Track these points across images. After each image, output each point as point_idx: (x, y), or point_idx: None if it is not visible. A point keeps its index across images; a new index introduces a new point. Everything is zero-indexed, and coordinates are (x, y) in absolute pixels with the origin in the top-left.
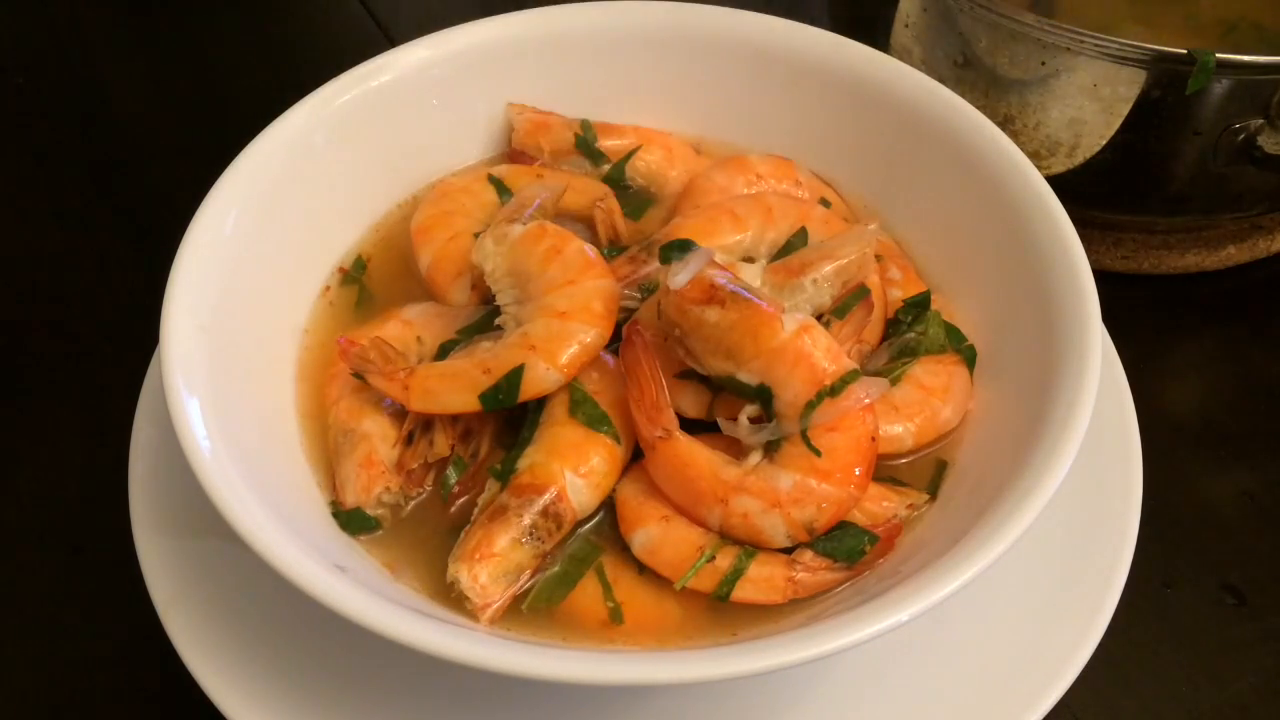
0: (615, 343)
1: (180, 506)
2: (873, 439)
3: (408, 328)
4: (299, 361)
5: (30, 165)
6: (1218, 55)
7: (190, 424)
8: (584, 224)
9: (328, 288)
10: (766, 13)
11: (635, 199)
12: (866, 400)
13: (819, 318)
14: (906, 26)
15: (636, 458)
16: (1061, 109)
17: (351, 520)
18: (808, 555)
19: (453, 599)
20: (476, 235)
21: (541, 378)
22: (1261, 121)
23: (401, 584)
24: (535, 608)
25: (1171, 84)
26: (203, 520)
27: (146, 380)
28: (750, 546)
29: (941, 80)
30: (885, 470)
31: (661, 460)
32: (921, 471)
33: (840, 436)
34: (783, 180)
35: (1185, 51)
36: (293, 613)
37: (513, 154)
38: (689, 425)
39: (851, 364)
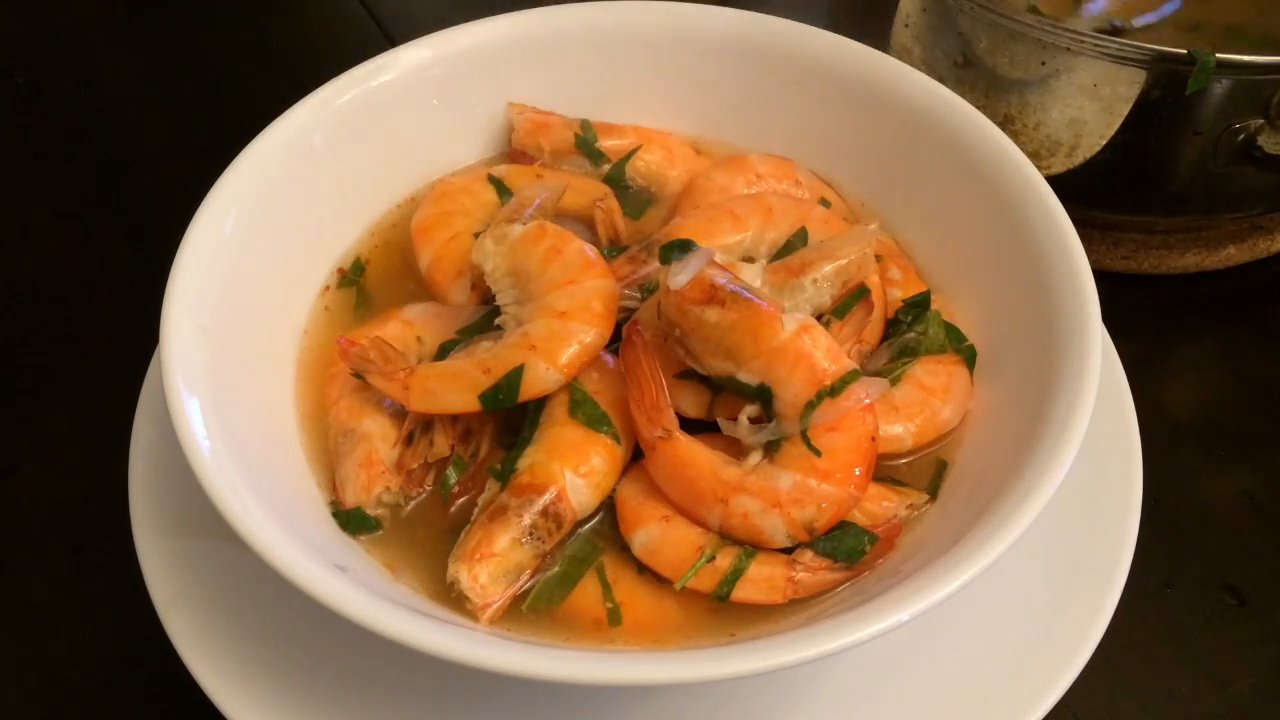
0: (615, 343)
1: (180, 506)
2: (873, 439)
3: (408, 328)
4: (299, 361)
5: (30, 165)
6: (1218, 55)
7: (190, 424)
8: (584, 224)
9: (328, 287)
10: (766, 13)
11: (635, 199)
12: (866, 400)
13: (819, 318)
14: (906, 26)
15: (636, 458)
16: (1061, 109)
17: (351, 520)
18: (808, 555)
19: (453, 599)
20: (476, 235)
21: (541, 378)
22: (1261, 121)
23: (401, 584)
24: (535, 608)
25: (1171, 84)
26: (203, 520)
27: (146, 380)
28: (750, 546)
29: (941, 80)
30: (885, 470)
31: (661, 460)
32: (921, 471)
33: (840, 436)
34: (783, 180)
35: (1185, 51)
36: (293, 613)
37: (513, 154)
38: (689, 425)
39: (851, 364)
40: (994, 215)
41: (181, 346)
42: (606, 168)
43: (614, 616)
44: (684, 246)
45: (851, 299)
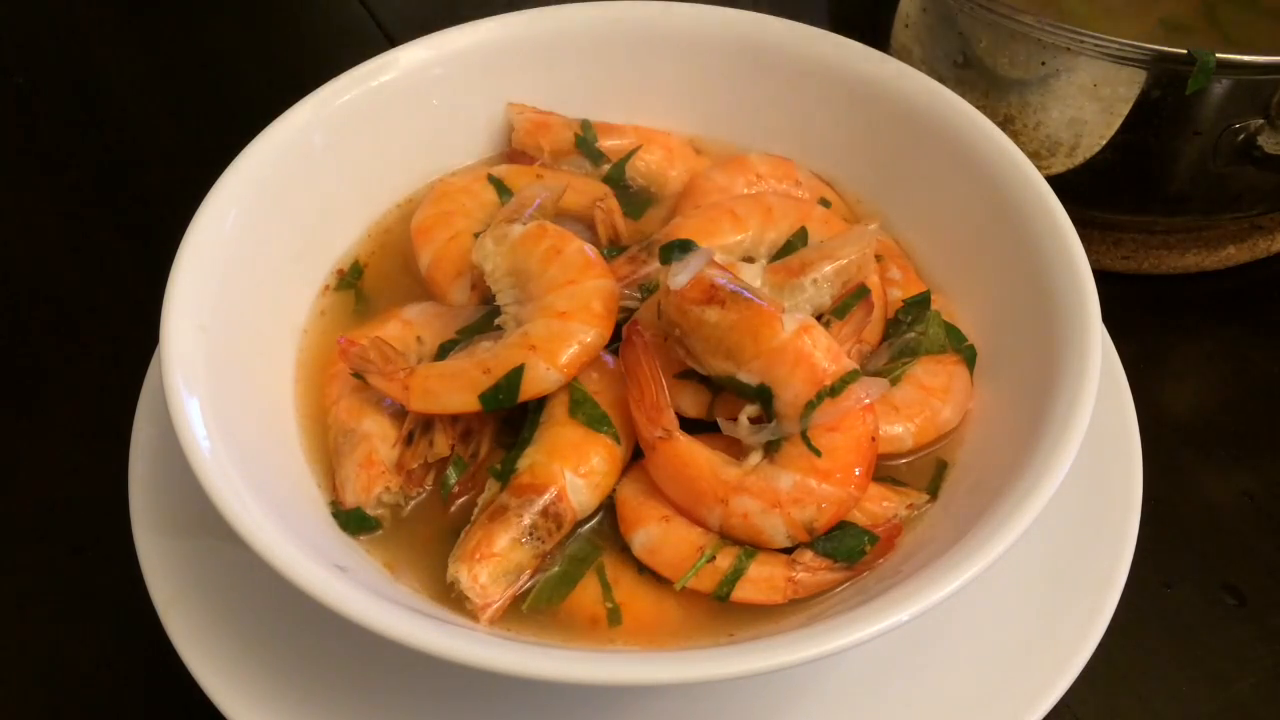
0: (615, 343)
1: (180, 506)
2: (873, 439)
3: (408, 328)
4: (299, 361)
5: (30, 165)
6: (1218, 55)
7: (190, 424)
8: (584, 224)
9: (327, 287)
10: (766, 13)
11: (635, 199)
12: (866, 400)
13: (819, 318)
14: (906, 26)
15: (636, 458)
16: (1061, 109)
17: (351, 520)
18: (808, 555)
19: (453, 599)
20: (476, 235)
21: (541, 378)
22: (1261, 121)
23: (401, 584)
24: (535, 608)
25: (1171, 84)
26: (203, 520)
27: (146, 380)
28: (750, 546)
29: (941, 80)
30: (885, 470)
31: (661, 460)
32: (921, 471)
33: (840, 436)
34: (783, 180)
35: (1185, 51)
36: (293, 613)
37: (513, 154)
38: (689, 425)
39: (851, 364)
40: (994, 215)
41: (181, 346)
42: (606, 168)
43: (614, 616)
44: (684, 246)
45: (851, 299)
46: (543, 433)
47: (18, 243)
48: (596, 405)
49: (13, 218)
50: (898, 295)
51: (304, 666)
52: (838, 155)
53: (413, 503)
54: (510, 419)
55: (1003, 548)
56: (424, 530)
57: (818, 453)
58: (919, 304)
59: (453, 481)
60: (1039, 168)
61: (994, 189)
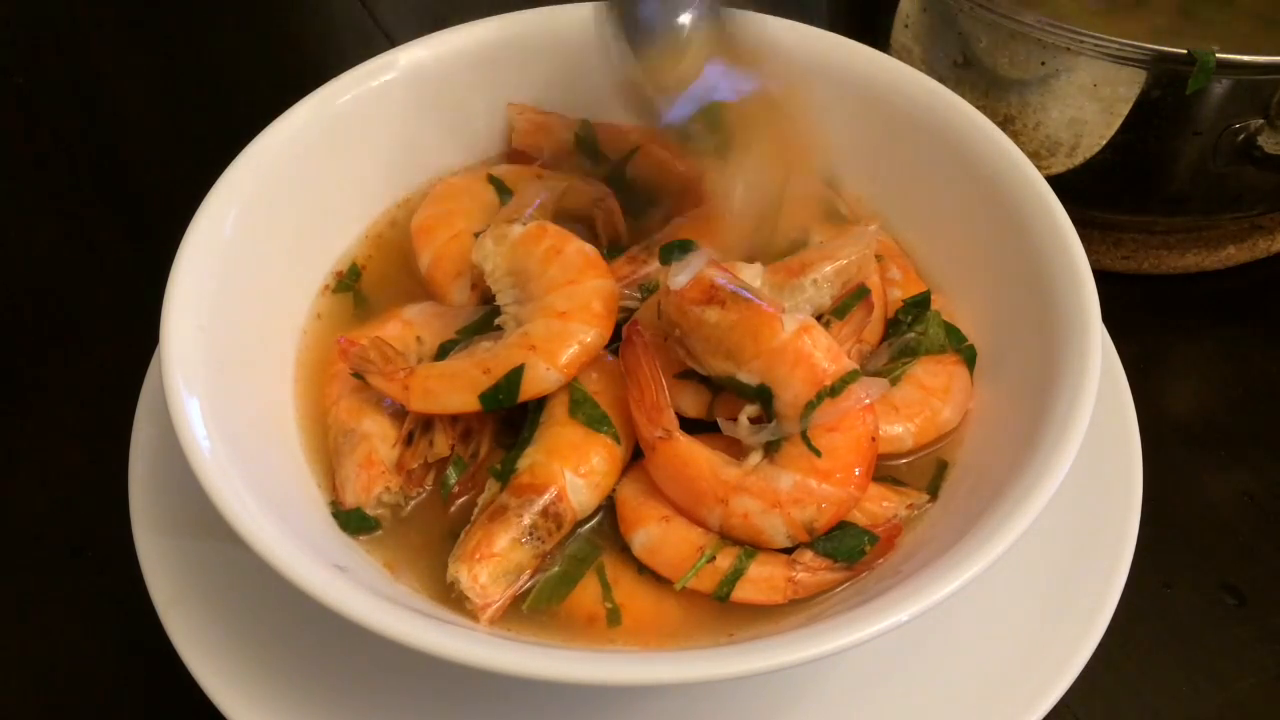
0: (615, 343)
1: (180, 506)
2: (873, 439)
3: (408, 327)
4: (299, 361)
5: (30, 165)
6: (1218, 55)
7: (190, 424)
8: (584, 224)
9: (327, 287)
10: (767, 13)
11: (635, 199)
12: (866, 400)
13: (819, 318)
14: (906, 26)
15: (636, 458)
16: (1061, 109)
17: (351, 520)
18: (808, 555)
19: (453, 599)
20: (476, 235)
21: (541, 378)
22: (1261, 121)
23: (401, 584)
24: (535, 608)
25: (1171, 84)
26: (203, 520)
27: (146, 380)
28: (750, 547)
29: (941, 80)
30: (885, 470)
31: (661, 460)
32: (921, 471)
33: (840, 437)
34: None
35: (1185, 51)
36: (293, 613)
37: (513, 154)
38: (689, 425)
39: (851, 364)
40: (994, 215)
41: (181, 346)
42: (606, 168)
43: (614, 616)
44: (684, 247)
45: (851, 299)
46: (543, 433)
47: (18, 243)
48: (596, 405)
49: (13, 218)
50: (898, 295)
51: (304, 666)
52: (837, 155)
53: (413, 503)
54: (510, 419)
55: (1003, 548)
56: (424, 530)
57: (818, 453)
58: (919, 304)
59: (453, 481)
60: (1039, 168)
61: (994, 189)
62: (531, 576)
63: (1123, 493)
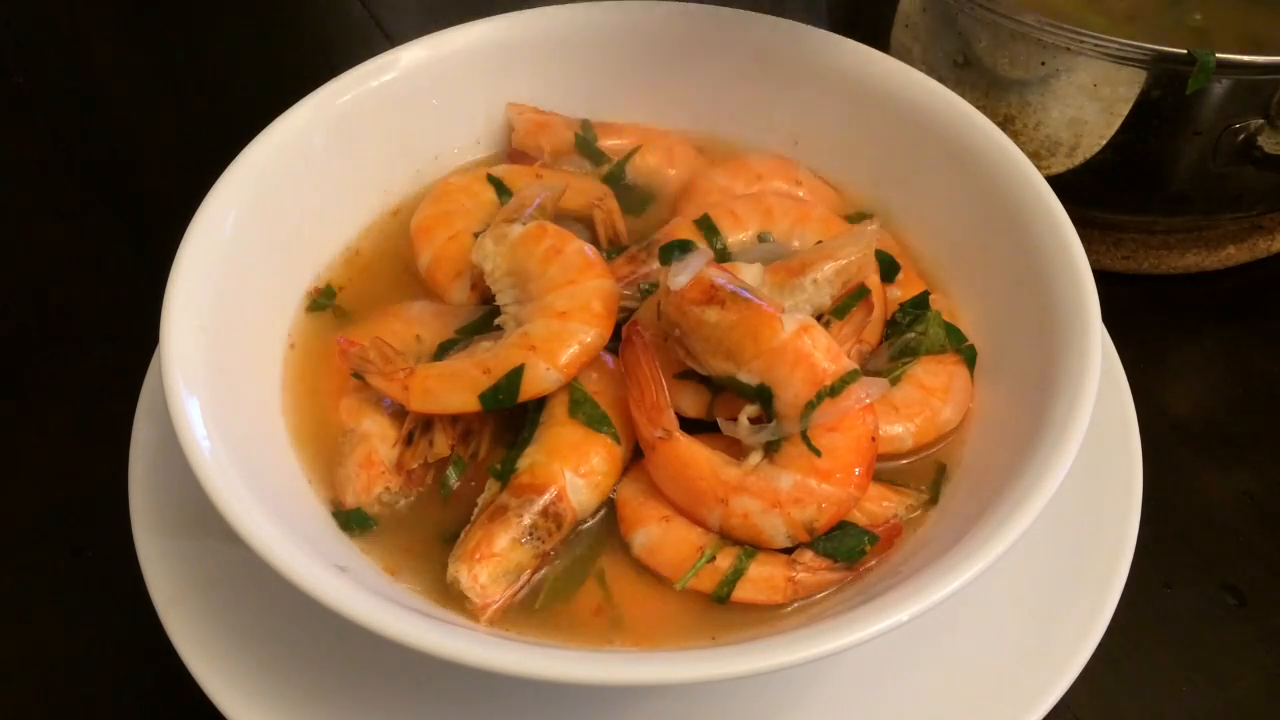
0: (615, 343)
1: (180, 506)
2: (873, 439)
3: (407, 326)
4: (298, 361)
5: (30, 165)
6: (1218, 55)
7: (190, 424)
8: (584, 224)
9: (326, 287)
10: (766, 13)
11: (635, 199)
12: (866, 400)
13: (819, 318)
14: (906, 26)
15: (637, 458)
16: (1061, 109)
17: (351, 520)
18: (808, 555)
19: (453, 599)
20: (476, 235)
21: (541, 378)
22: (1261, 121)
23: (401, 584)
24: (535, 608)
25: (1171, 84)
26: (203, 520)
27: (146, 380)
28: (750, 547)
29: (941, 80)
30: (885, 471)
31: (661, 460)
32: (922, 472)
33: (840, 437)
34: (783, 180)
35: (1185, 51)
36: (293, 613)
37: (513, 154)
38: (689, 425)
39: (851, 364)
40: (994, 215)
41: (181, 346)
42: (606, 168)
43: (614, 617)
44: (684, 247)
45: (851, 299)
46: (543, 433)
47: (18, 243)
48: (596, 405)
49: (13, 218)
50: (898, 295)
51: (304, 666)
52: (838, 155)
53: (412, 503)
54: (510, 419)
55: (1003, 548)
56: (424, 530)
57: (818, 453)
58: (919, 304)
59: (453, 481)
60: (1039, 168)
61: (994, 189)
62: (531, 576)
63: (1123, 493)
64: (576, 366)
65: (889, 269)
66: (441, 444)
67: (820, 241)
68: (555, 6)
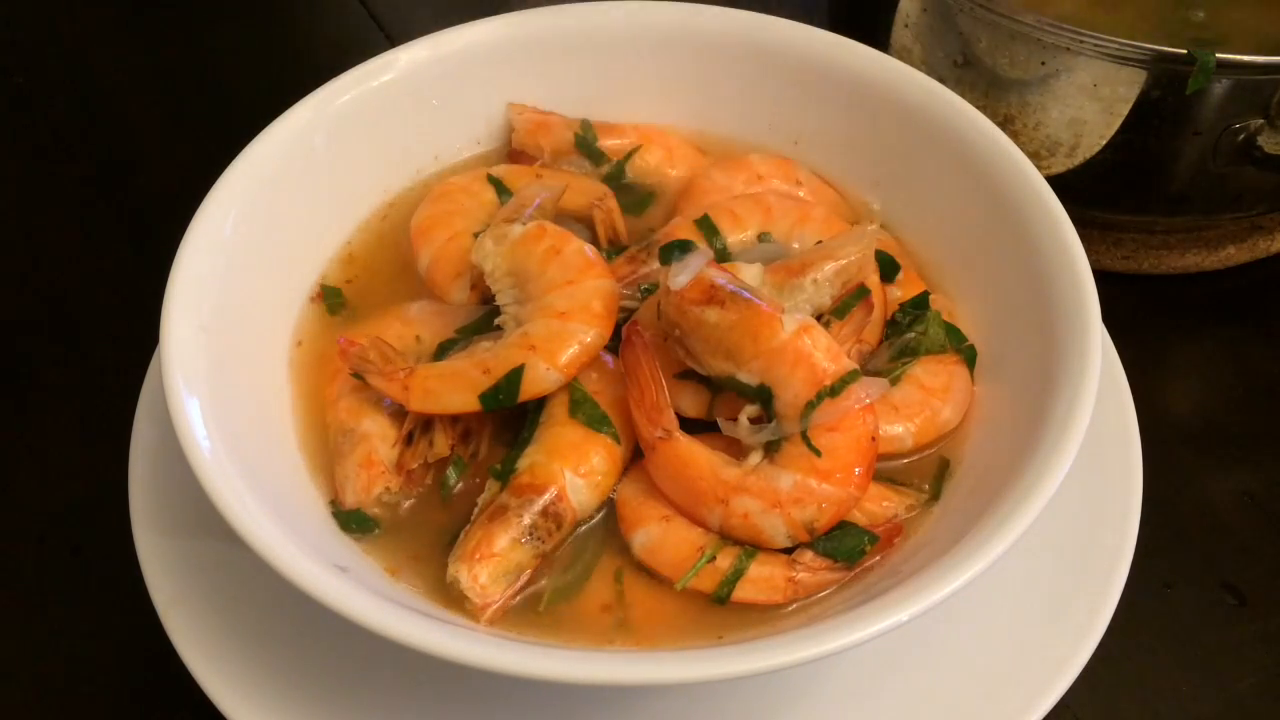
0: (615, 343)
1: (180, 506)
2: (873, 439)
3: (407, 326)
4: (298, 361)
5: (30, 165)
6: (1218, 55)
7: (190, 424)
8: (584, 224)
9: (325, 287)
10: (766, 12)
11: (635, 199)
12: (866, 400)
13: (819, 318)
14: (906, 26)
15: (637, 458)
16: (1061, 109)
17: (351, 520)
18: (808, 555)
19: (453, 599)
20: (476, 235)
21: (541, 378)
22: (1261, 121)
23: (401, 584)
24: (535, 608)
25: (1171, 84)
26: (203, 520)
27: (146, 380)
28: (750, 547)
29: (941, 80)
30: (885, 470)
31: (661, 460)
32: (922, 471)
33: (840, 436)
34: (783, 180)
35: (1185, 51)
36: (293, 613)
37: (513, 154)
38: (689, 425)
39: (851, 364)
40: (994, 215)
41: (181, 346)
42: (606, 168)
43: (614, 617)
44: (684, 247)
45: (851, 299)
46: (543, 433)
47: (18, 243)
48: (596, 405)
49: (13, 217)
50: (898, 295)
51: (304, 666)
52: (838, 155)
53: (412, 503)
54: (510, 419)
55: (1003, 548)
56: (424, 530)
57: (818, 453)
58: (919, 304)
59: (453, 481)
60: (1039, 168)
61: (994, 189)
62: (531, 576)
63: (1123, 493)
64: (576, 366)
65: (889, 269)
66: (441, 444)
67: (820, 241)
68: (555, 6)
